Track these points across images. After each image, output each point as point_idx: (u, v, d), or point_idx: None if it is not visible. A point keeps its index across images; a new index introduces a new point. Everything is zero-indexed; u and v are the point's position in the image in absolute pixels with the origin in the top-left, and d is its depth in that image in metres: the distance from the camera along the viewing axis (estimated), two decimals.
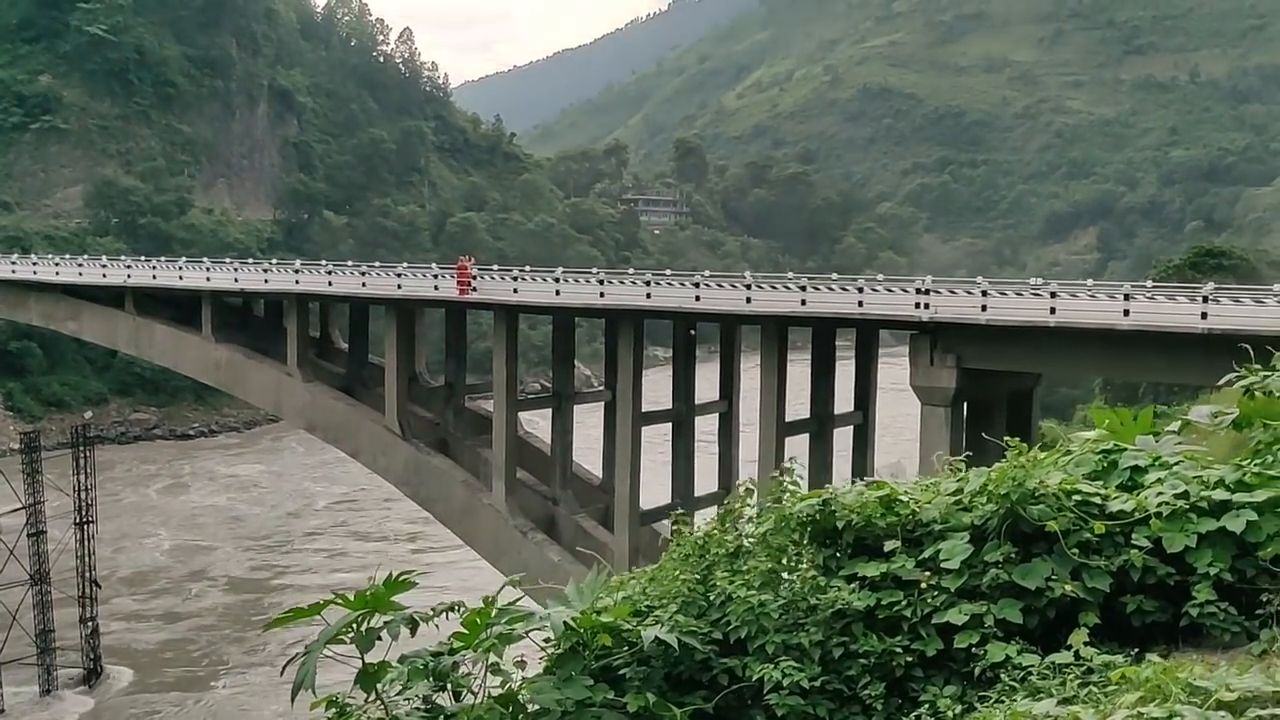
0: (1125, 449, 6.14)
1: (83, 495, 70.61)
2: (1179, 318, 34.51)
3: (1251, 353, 7.87)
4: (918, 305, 37.76)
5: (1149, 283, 42.00)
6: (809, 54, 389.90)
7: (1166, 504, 5.59)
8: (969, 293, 37.66)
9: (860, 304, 39.35)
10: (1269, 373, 7.65)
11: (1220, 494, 5.64)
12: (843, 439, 47.84)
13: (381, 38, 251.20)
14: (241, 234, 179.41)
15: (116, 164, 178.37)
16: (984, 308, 36.81)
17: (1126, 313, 34.80)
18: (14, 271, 65.76)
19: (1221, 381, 8.06)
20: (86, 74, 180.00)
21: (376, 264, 56.24)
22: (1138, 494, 5.80)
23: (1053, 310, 35.81)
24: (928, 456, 38.58)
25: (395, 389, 51.43)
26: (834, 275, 44.22)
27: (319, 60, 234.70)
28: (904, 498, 6.16)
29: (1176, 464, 6.03)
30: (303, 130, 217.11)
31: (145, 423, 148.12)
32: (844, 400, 48.68)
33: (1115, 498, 5.76)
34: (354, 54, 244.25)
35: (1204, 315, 33.71)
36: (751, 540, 6.43)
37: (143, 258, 62.64)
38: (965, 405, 39.52)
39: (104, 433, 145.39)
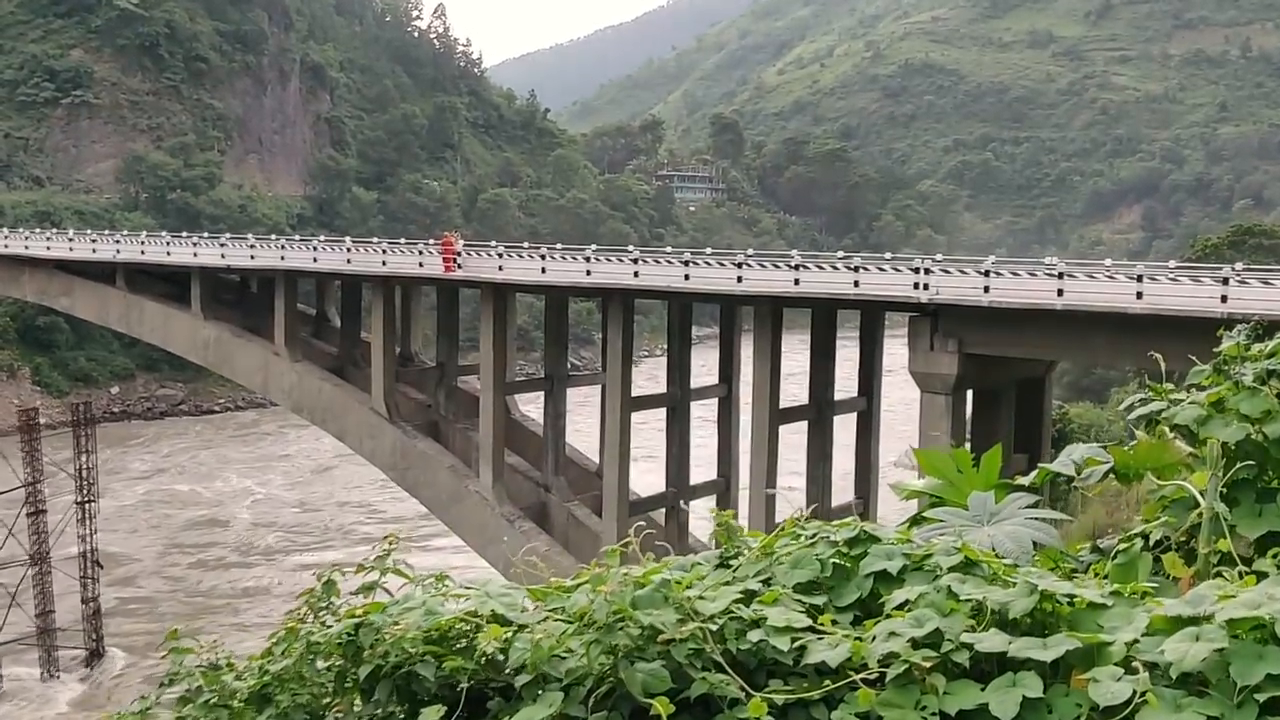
0: (875, 538, 3.72)
1: (84, 474, 69.66)
2: (1197, 300, 31.79)
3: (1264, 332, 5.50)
4: (916, 286, 35.20)
5: (1172, 263, 39.20)
6: (850, 30, 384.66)
7: (897, 656, 3.17)
8: (968, 272, 35.02)
9: (856, 284, 36.81)
10: (1182, 395, 5.27)
11: (993, 639, 3.20)
12: (848, 426, 45.40)
13: (416, 13, 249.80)
14: (271, 209, 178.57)
15: (147, 139, 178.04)
16: (987, 289, 34.16)
17: (1140, 295, 32.10)
18: (6, 246, 64.48)
19: (1125, 403, 5.67)
20: (118, 49, 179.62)
21: (374, 239, 54.25)
22: (866, 629, 3.38)
23: (1060, 292, 33.13)
24: (927, 448, 36.13)
25: (382, 370, 49.51)
26: (839, 254, 41.68)
27: (352, 36, 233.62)
28: (495, 618, 3.71)
29: (953, 568, 3.63)
30: (335, 106, 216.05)
31: (171, 398, 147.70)
32: (850, 385, 46.26)
33: (822, 639, 3.33)
34: (388, 29, 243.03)
35: (1224, 298, 30.97)
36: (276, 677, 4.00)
37: (126, 232, 60.86)
38: (969, 393, 36.98)
39: (131, 408, 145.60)
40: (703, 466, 47.81)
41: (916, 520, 5.21)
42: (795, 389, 46.22)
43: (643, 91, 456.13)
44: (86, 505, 69.30)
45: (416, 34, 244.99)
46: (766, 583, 3.67)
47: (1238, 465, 4.82)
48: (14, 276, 65.28)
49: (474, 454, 48.36)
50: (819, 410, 42.94)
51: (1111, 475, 5.15)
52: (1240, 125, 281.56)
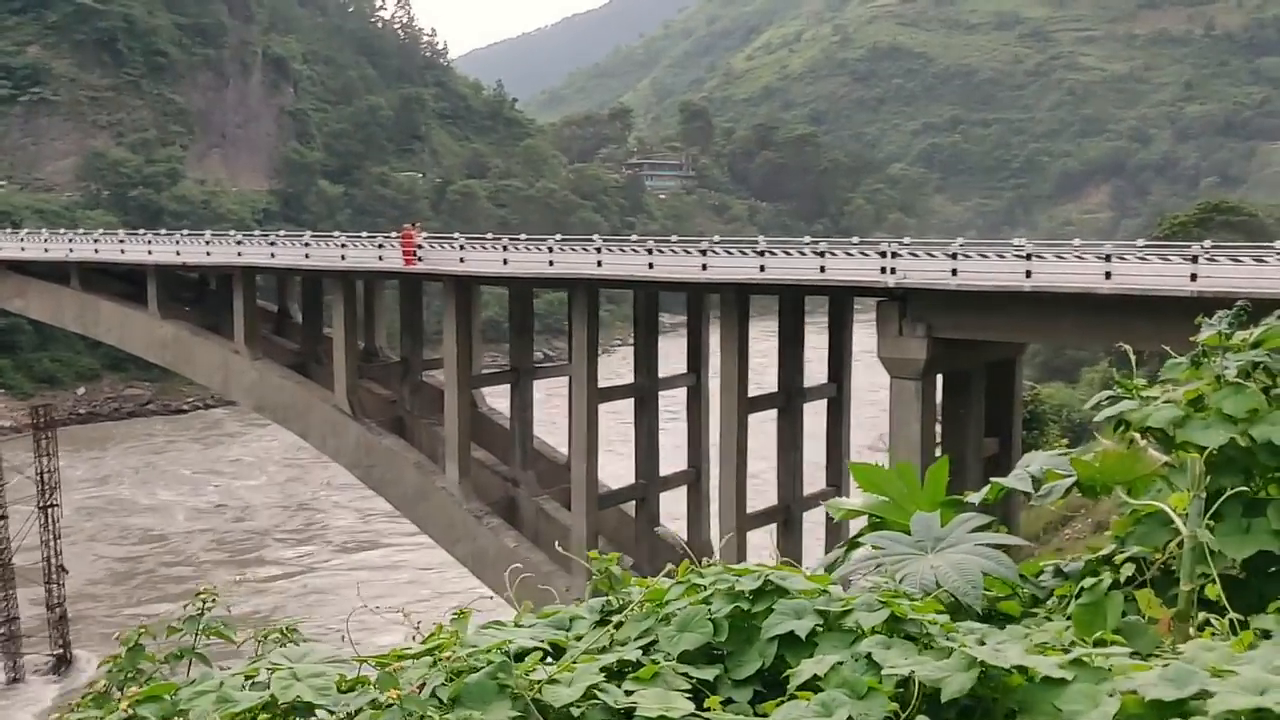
0: (783, 590, 2.99)
1: (46, 478, 68.43)
2: (1166, 280, 31.28)
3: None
4: (883, 270, 34.56)
5: (1140, 241, 38.71)
6: (818, 14, 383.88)
7: None
8: (936, 255, 34.40)
9: (823, 269, 36.14)
10: (1155, 392, 4.60)
11: None
12: (818, 413, 44.78)
13: (380, 3, 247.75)
14: (235, 205, 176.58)
15: (108, 135, 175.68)
16: (955, 272, 33.55)
17: (1108, 275, 31.56)
18: None
19: (1091, 402, 4.98)
20: (75, 44, 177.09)
21: (333, 233, 53.19)
22: (768, 712, 2.65)
23: (1028, 274, 32.55)
24: (899, 433, 35.60)
25: (344, 366, 48.53)
26: (806, 239, 40.98)
27: (315, 27, 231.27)
28: None
29: (877, 628, 2.92)
30: (299, 98, 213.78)
31: (139, 398, 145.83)
32: (819, 372, 45.63)
33: None
34: (351, 20, 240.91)
35: (1193, 276, 30.48)
36: None
37: (81, 230, 59.49)
38: (939, 377, 36.41)
39: (98, 409, 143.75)
40: (673, 457, 47.14)
41: (852, 545, 4.52)
42: (765, 377, 45.61)
43: (611, 80, 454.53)
44: (49, 510, 68.12)
45: (380, 24, 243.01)
46: (650, 648, 2.96)
47: (1220, 477, 4.14)
48: None
49: (440, 450, 47.54)
50: (788, 398, 42.32)
51: (1075, 489, 4.47)
52: (1205, 104, 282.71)
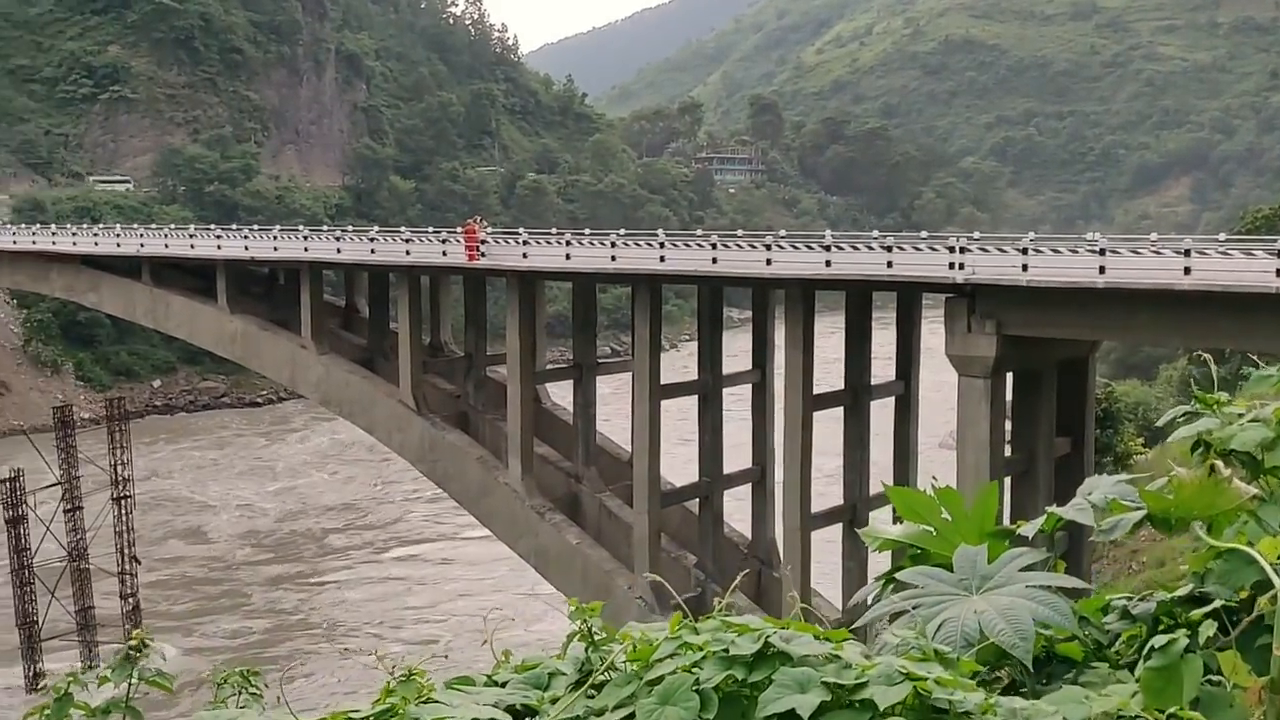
0: (785, 656, 2.49)
1: (119, 469, 69.49)
2: (1250, 275, 30.06)
3: None
4: (952, 266, 33.65)
5: (1222, 236, 37.39)
6: (889, 6, 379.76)
7: None
8: (1006, 251, 33.41)
9: (890, 265, 35.33)
10: (1238, 409, 4.03)
11: None
12: (885, 412, 43.91)
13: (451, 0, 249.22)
14: (308, 200, 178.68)
15: (184, 132, 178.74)
16: (1025, 267, 32.57)
17: (1187, 270, 30.40)
18: (34, 242, 64.14)
19: (1165, 418, 4.41)
20: (154, 43, 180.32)
21: (399, 229, 53.26)
22: None
23: (1102, 270, 31.47)
24: (967, 432, 34.72)
25: (409, 361, 48.56)
26: (874, 233, 40.17)
27: (387, 23, 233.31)
28: None
29: (897, 710, 2.42)
30: (371, 95, 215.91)
31: (214, 391, 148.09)
32: (887, 369, 44.77)
33: None
34: (422, 16, 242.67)
35: (1279, 272, 29.24)
36: None
37: (154, 226, 60.31)
38: (1009, 376, 35.42)
39: (173, 401, 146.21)
40: (737, 455, 46.52)
41: (887, 581, 4.00)
42: (831, 374, 44.91)
43: (681, 74, 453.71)
44: (122, 501, 69.20)
45: (452, 21, 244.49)
46: None
47: None
48: (43, 273, 64.98)
49: (504, 445, 47.36)
50: (855, 395, 41.53)
51: (1145, 522, 3.90)
52: None
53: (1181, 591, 3.57)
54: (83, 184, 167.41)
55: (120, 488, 69.50)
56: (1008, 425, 36.74)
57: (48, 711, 3.01)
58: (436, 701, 2.53)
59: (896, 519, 4.32)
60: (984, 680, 3.35)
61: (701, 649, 2.59)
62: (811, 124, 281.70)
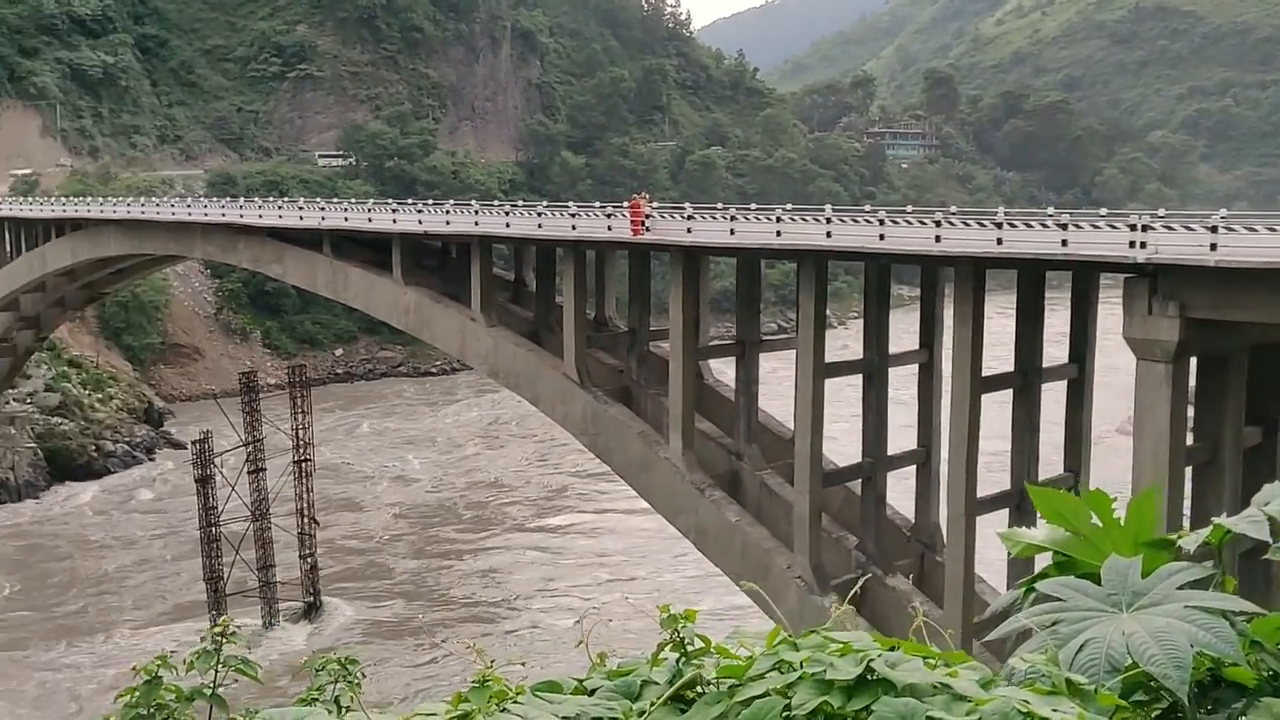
0: (888, 683, 2.23)
1: (300, 434, 72.38)
2: None
3: None
4: (1132, 244, 32.07)
5: None
6: None
7: None
8: (1194, 229, 31.63)
9: (1064, 242, 33.90)
10: None
11: None
12: (1056, 395, 42.35)
13: None
14: (483, 176, 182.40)
15: (366, 109, 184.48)
16: (1214, 246, 30.79)
17: None
18: (224, 215, 67.07)
19: None
20: (338, 22, 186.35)
21: (567, 204, 53.76)
22: None
23: None
24: (1144, 419, 33.15)
25: (574, 335, 49.04)
26: (1049, 210, 38.64)
27: (561, 0, 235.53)
28: None
29: None
30: (545, 71, 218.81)
31: (391, 360, 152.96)
32: (1060, 351, 43.15)
33: None
34: None
35: None
36: None
37: (335, 200, 62.33)
38: (1192, 361, 33.63)
39: (353, 369, 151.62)
40: (902, 436, 45.55)
41: (1028, 591, 3.69)
42: (1001, 355, 43.52)
43: (855, 47, 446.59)
44: (302, 464, 72.06)
45: None
46: None
47: None
48: (231, 244, 67.94)
49: (665, 420, 47.42)
50: (1025, 378, 40.12)
51: None
52: None
53: None
54: (271, 159, 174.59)
55: (301, 451, 72.47)
56: (1190, 412, 34.95)
57: (138, 693, 2.99)
58: (509, 713, 2.37)
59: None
60: (1139, 703, 3.02)
61: (799, 668, 2.36)
62: (989, 98, 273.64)
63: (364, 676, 3.20)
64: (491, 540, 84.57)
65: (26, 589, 75.00)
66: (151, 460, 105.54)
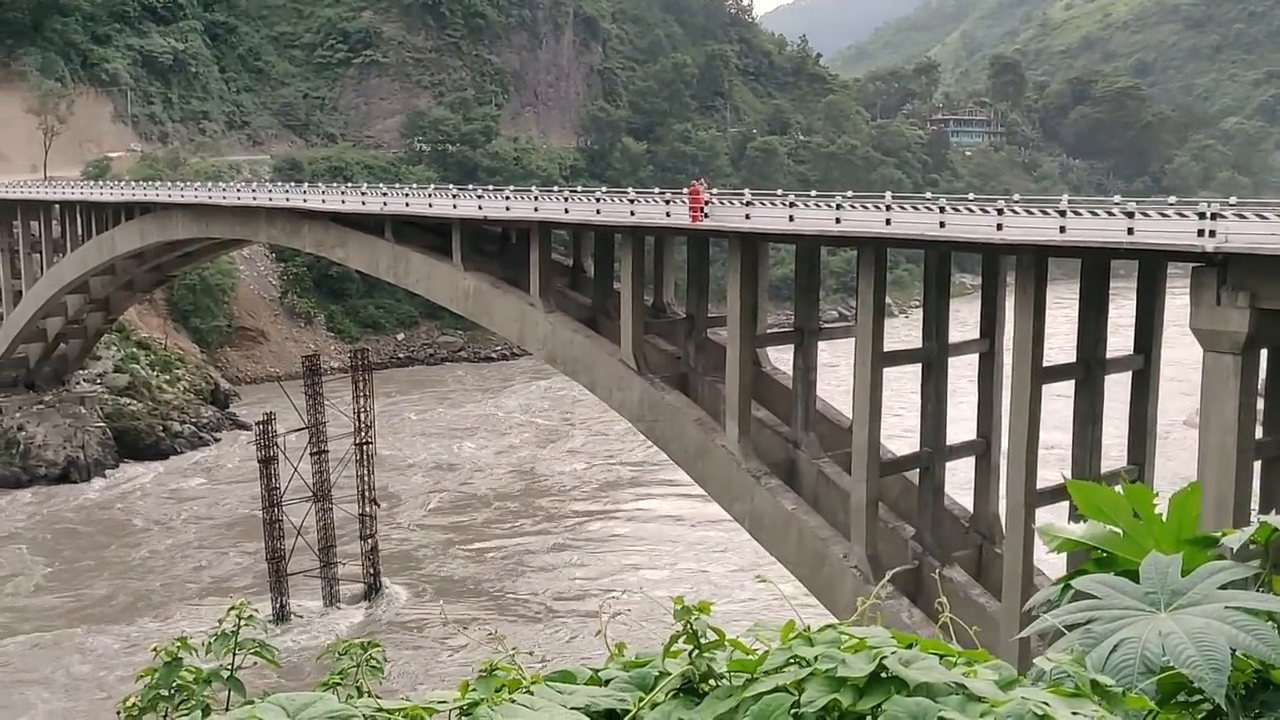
0: (900, 681, 2.15)
1: (362, 417, 73.11)
2: None
3: None
4: (1201, 233, 31.41)
5: None
6: None
7: None
8: (1267, 217, 30.90)
9: (1130, 231, 33.28)
10: None
11: None
12: (1120, 387, 41.64)
13: None
14: (544, 161, 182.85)
15: (429, 95, 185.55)
16: None
17: None
18: (288, 200, 67.87)
19: None
20: (403, 8, 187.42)
21: (625, 190, 53.73)
22: None
23: None
24: (1211, 412, 32.51)
25: (631, 321, 49.04)
26: (1115, 198, 37.97)
27: None
28: None
29: None
30: (607, 57, 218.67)
31: (452, 345, 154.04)
32: (1124, 342, 42.42)
33: None
34: None
35: None
36: None
37: (397, 185, 62.79)
38: (1263, 353, 32.90)
39: (414, 354, 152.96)
40: (961, 426, 45.10)
41: (1065, 587, 3.59)
42: (1064, 345, 42.83)
43: (920, 33, 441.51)
44: (364, 447, 72.79)
45: None
46: None
47: None
48: (295, 228, 68.75)
49: (722, 407, 47.32)
50: (1088, 369, 39.48)
51: None
52: None
53: None
54: (336, 144, 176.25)
55: (363, 434, 73.23)
56: (1260, 405, 34.22)
57: (158, 674, 3.00)
58: (516, 704, 2.34)
59: (1077, 515, 3.88)
60: (1181, 704, 2.92)
61: (812, 663, 2.30)
62: (1056, 84, 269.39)
63: (386, 660, 3.18)
64: (551, 529, 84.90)
65: (99, 565, 76.55)
66: (217, 441, 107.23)
